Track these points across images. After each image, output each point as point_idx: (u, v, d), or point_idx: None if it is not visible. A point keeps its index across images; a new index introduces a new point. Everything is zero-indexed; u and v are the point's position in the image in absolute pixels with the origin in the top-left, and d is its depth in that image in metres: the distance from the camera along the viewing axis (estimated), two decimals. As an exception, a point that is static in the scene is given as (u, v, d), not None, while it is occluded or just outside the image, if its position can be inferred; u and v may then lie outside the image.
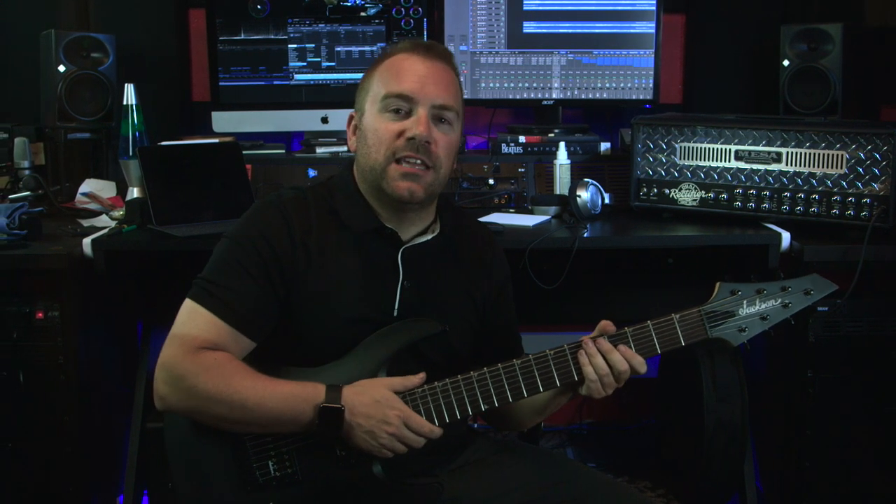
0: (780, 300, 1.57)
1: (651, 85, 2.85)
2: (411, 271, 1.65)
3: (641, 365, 1.53)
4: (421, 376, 1.55)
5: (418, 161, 1.58)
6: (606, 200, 2.50)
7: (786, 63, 2.78)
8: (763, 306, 1.57)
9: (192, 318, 1.55)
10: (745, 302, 1.56)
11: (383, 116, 1.60)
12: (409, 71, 1.60)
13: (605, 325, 1.57)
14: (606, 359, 1.53)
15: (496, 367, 1.56)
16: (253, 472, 1.54)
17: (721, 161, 2.40)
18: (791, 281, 1.57)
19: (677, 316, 1.56)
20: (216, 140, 2.64)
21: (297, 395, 1.49)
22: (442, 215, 1.71)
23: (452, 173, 1.70)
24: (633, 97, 2.86)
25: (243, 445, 1.54)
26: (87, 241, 2.22)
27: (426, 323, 1.62)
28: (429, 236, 1.68)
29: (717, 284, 1.58)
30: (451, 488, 1.63)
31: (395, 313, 1.63)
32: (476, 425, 1.85)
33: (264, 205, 1.65)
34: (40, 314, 2.23)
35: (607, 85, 2.86)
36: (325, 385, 1.50)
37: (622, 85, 2.86)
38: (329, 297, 1.59)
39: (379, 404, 1.49)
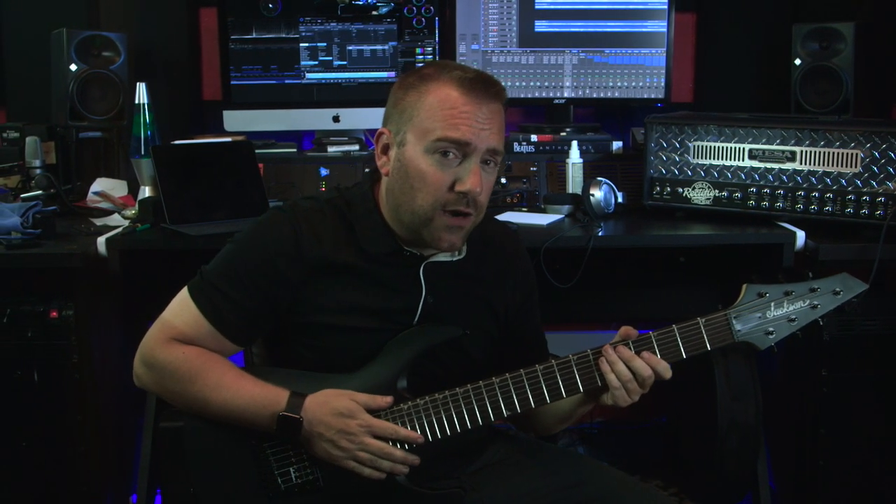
0: (808, 301, 1.54)
1: (662, 84, 2.84)
2: (434, 286, 1.62)
3: (666, 370, 1.51)
4: (388, 399, 1.52)
5: (465, 213, 1.53)
6: (619, 199, 2.50)
7: (797, 62, 2.77)
8: (791, 308, 1.54)
9: (181, 310, 1.58)
10: (772, 304, 1.53)
11: (431, 158, 1.50)
12: (465, 114, 1.48)
13: (627, 330, 1.54)
14: (629, 366, 1.50)
15: (518, 372, 1.54)
16: (275, 479, 1.54)
17: (735, 160, 2.40)
18: (819, 281, 1.55)
19: (703, 320, 1.53)
20: (229, 139, 2.64)
21: (259, 400, 1.50)
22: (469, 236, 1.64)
23: None
24: (645, 96, 2.86)
25: (264, 452, 1.54)
26: (101, 240, 2.22)
27: (446, 327, 1.60)
28: (454, 257, 1.64)
29: (744, 286, 1.54)
30: (473, 489, 1.63)
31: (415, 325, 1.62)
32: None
33: (278, 214, 1.61)
34: (54, 313, 2.24)
35: (619, 84, 2.86)
36: (288, 392, 1.50)
37: (633, 84, 2.85)
38: (342, 314, 1.57)
39: (340, 415, 1.48)
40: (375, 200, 1.61)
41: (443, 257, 1.63)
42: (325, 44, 2.83)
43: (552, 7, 2.82)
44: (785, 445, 2.52)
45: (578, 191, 2.55)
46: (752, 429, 2.42)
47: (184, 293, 1.59)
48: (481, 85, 1.52)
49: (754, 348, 1.55)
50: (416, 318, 1.61)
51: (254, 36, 2.81)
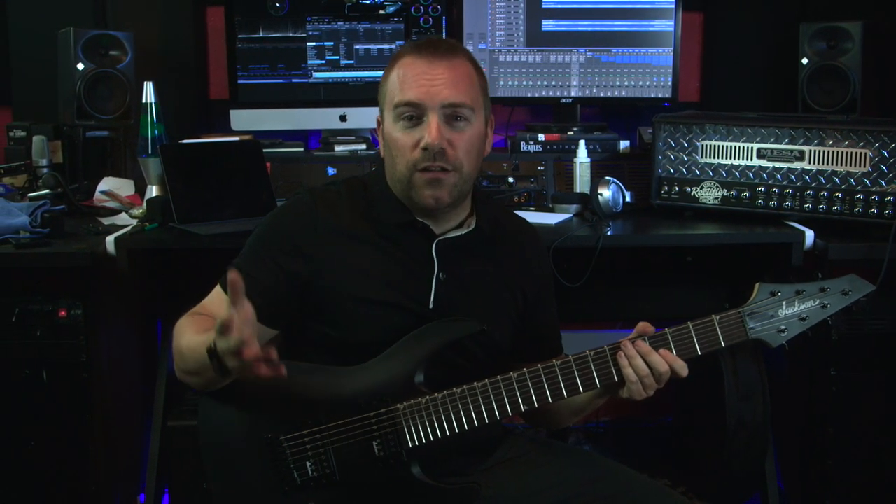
0: (818, 301, 1.57)
1: (669, 83, 2.84)
2: (447, 264, 1.64)
3: (683, 368, 1.53)
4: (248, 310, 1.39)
5: (438, 167, 1.57)
6: (627, 198, 2.50)
7: (804, 61, 2.77)
8: (802, 307, 1.57)
9: (212, 295, 1.64)
10: (784, 303, 1.56)
11: (398, 126, 1.59)
12: (414, 76, 1.57)
13: (644, 326, 1.57)
14: (646, 360, 1.52)
15: (536, 367, 1.55)
16: (291, 473, 1.54)
17: (743, 159, 2.39)
18: (829, 281, 1.57)
19: (717, 317, 1.55)
20: (236, 138, 2.64)
21: (204, 341, 1.46)
22: (478, 210, 1.70)
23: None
24: (652, 95, 2.86)
25: (281, 446, 1.54)
26: (110, 240, 2.22)
27: (465, 322, 1.61)
28: (464, 230, 1.67)
29: (757, 285, 1.57)
30: (486, 487, 1.63)
31: (431, 305, 1.63)
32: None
33: (296, 198, 1.69)
34: (63, 312, 2.24)
35: (626, 83, 2.85)
36: None
37: (640, 83, 2.85)
38: (359, 284, 1.60)
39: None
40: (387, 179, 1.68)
41: (454, 233, 1.66)
42: (332, 43, 2.83)
43: (559, 6, 2.82)
44: (793, 445, 2.52)
45: (586, 190, 2.55)
46: (759, 428, 2.42)
47: (217, 286, 1.65)
48: (430, 45, 1.61)
49: (767, 346, 1.57)
50: (432, 296, 1.63)
51: (261, 35, 2.81)
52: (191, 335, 1.53)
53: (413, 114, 1.57)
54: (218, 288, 1.64)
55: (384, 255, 1.63)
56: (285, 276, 1.60)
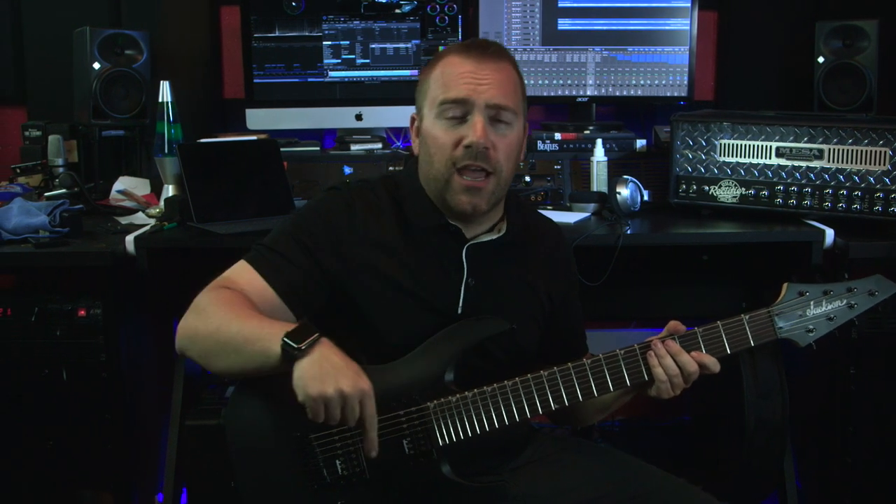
0: (845, 301, 1.58)
1: (685, 82, 2.84)
2: (476, 269, 1.64)
3: (715, 364, 1.54)
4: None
5: (479, 170, 1.56)
6: (645, 197, 2.50)
7: (820, 60, 2.77)
8: (829, 307, 1.58)
9: (237, 270, 1.59)
10: (812, 303, 1.57)
11: (440, 123, 1.58)
12: (462, 74, 1.56)
13: (675, 325, 1.57)
14: (676, 360, 1.53)
15: (566, 366, 1.55)
16: (320, 472, 1.53)
17: (762, 158, 2.39)
18: (856, 282, 1.59)
19: (747, 317, 1.56)
20: (253, 137, 2.64)
21: (272, 323, 1.45)
22: (510, 213, 1.69)
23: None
24: (667, 94, 2.86)
25: (310, 444, 1.53)
26: (129, 239, 2.22)
27: (493, 321, 1.61)
28: (494, 235, 1.67)
29: (785, 285, 1.58)
30: (515, 486, 1.63)
31: (460, 310, 1.62)
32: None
33: (332, 192, 1.67)
34: (82, 312, 2.24)
35: (641, 82, 2.85)
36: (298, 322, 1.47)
37: (656, 82, 2.85)
38: (389, 286, 1.60)
39: (358, 370, 1.42)
40: (420, 179, 1.67)
41: (485, 237, 1.65)
42: (348, 42, 2.83)
43: (575, 5, 2.82)
44: (811, 443, 2.52)
45: (603, 189, 2.55)
46: (778, 426, 2.42)
47: (240, 262, 1.61)
48: (478, 47, 1.60)
49: (795, 346, 1.58)
50: (460, 300, 1.62)
51: (277, 34, 2.80)
52: (243, 319, 1.46)
53: (457, 112, 1.56)
54: (246, 264, 1.59)
55: (414, 259, 1.62)
56: (319, 269, 1.59)
